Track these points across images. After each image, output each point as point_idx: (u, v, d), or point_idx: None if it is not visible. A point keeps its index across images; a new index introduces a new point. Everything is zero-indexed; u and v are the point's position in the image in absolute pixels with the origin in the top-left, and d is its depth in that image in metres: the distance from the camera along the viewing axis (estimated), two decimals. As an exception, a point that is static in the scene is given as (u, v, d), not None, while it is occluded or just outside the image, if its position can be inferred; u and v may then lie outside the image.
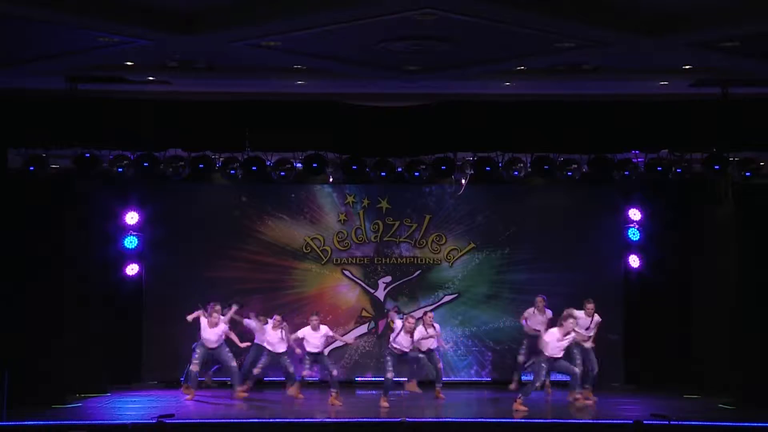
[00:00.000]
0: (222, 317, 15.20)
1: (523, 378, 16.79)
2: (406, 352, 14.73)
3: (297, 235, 17.37)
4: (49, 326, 14.62)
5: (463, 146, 13.83)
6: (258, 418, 13.19)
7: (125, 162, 13.76)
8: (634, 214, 17.12)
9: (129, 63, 11.97)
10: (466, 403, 15.44)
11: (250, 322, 15.70)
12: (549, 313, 15.39)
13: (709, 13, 10.12)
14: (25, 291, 14.56)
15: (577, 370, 14.44)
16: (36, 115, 13.11)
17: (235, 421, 13.20)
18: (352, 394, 15.92)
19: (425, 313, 15.39)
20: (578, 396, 14.38)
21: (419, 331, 14.85)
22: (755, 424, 12.83)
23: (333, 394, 14.64)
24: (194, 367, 14.95)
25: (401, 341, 14.68)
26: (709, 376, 15.79)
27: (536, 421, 13.19)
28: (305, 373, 15.00)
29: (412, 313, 15.42)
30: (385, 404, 14.33)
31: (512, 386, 15.55)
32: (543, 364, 14.12)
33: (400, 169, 14.21)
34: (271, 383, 16.33)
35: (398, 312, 15.55)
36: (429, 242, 17.40)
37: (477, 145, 13.76)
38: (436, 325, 15.23)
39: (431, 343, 15.05)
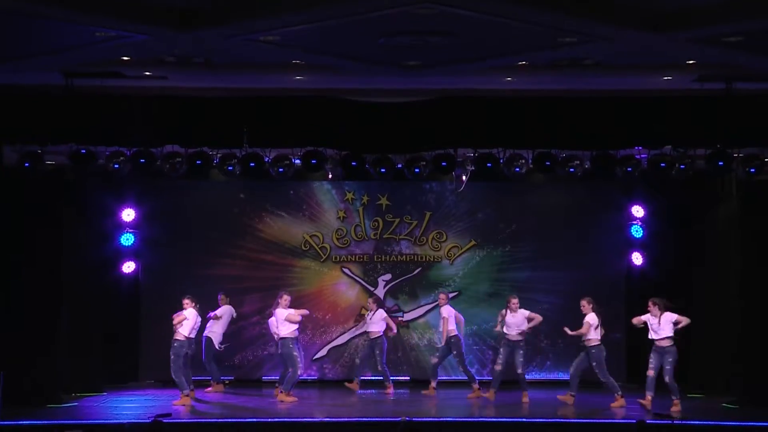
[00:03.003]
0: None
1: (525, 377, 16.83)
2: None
3: (296, 233, 17.40)
4: (45, 324, 14.64)
5: (464, 142, 13.83)
6: (256, 418, 13.20)
7: (122, 158, 13.75)
8: (637, 211, 17.15)
9: (125, 58, 11.97)
10: (467, 402, 15.44)
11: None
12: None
13: (712, 7, 10.13)
14: (20, 289, 14.57)
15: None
16: (32, 110, 13.09)
17: (233, 420, 13.21)
18: (352, 393, 15.92)
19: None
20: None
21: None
22: (758, 424, 12.85)
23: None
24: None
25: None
26: (712, 375, 15.81)
27: (537, 420, 13.20)
28: None
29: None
30: (356, 386, 15.98)
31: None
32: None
33: (400, 166, 14.22)
34: (270, 382, 16.38)
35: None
36: (429, 239, 17.42)
37: (478, 141, 13.76)
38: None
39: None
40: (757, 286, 14.90)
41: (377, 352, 15.91)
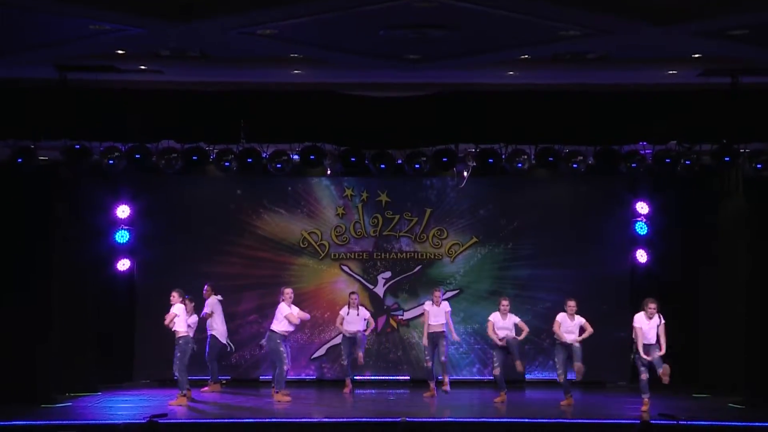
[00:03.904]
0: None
1: (527, 377, 16.86)
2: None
3: (294, 230, 17.41)
4: (38, 323, 14.65)
5: (465, 137, 13.82)
6: (253, 418, 13.22)
7: (116, 154, 13.73)
8: (642, 207, 17.16)
9: (120, 51, 11.97)
10: (467, 402, 15.48)
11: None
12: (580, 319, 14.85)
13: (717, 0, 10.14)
14: (13, 287, 14.58)
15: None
16: (24, 105, 13.09)
17: (230, 421, 13.23)
18: (350, 393, 15.93)
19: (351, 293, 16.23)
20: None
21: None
22: (765, 424, 12.86)
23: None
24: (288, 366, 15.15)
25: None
26: (718, 374, 15.82)
27: (541, 420, 13.22)
28: None
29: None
30: (349, 388, 15.85)
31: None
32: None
33: (400, 161, 14.22)
34: (267, 382, 16.38)
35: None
36: (430, 237, 17.43)
37: (479, 137, 13.76)
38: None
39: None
40: (765, 283, 14.91)
41: (357, 342, 15.79)
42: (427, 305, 15.60)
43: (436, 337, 15.38)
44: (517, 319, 15.12)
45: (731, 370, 15.48)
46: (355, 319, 15.85)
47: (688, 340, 15.98)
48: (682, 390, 15.38)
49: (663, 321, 13.93)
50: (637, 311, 15.12)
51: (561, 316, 14.62)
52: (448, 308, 15.56)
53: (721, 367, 15.80)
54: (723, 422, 12.97)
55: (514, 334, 14.98)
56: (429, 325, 15.39)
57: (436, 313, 15.38)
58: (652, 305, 14.00)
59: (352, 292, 16.26)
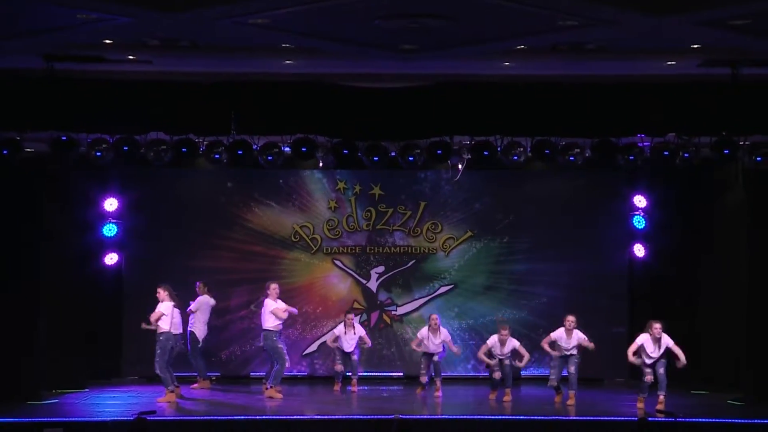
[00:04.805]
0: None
1: (523, 373, 16.85)
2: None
3: (285, 223, 17.40)
4: (24, 318, 14.63)
5: (460, 129, 13.81)
6: (244, 416, 13.22)
7: (104, 146, 13.69)
8: (640, 200, 17.17)
9: (108, 41, 11.92)
10: (462, 400, 15.48)
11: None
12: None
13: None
14: (-2, 282, 14.57)
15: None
16: (9, 96, 13.01)
17: (219, 418, 13.23)
18: (343, 390, 15.93)
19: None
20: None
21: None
22: (763, 421, 12.89)
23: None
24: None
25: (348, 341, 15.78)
26: (717, 371, 15.84)
27: (540, 418, 13.24)
28: None
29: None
30: (337, 388, 15.73)
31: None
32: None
33: (393, 154, 14.20)
34: (257, 379, 16.38)
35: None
36: (424, 230, 17.43)
37: (474, 129, 13.74)
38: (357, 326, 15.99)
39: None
40: (765, 278, 14.93)
41: (354, 365, 15.80)
42: (423, 332, 15.51)
43: (432, 354, 15.49)
44: (516, 344, 14.98)
45: (730, 367, 15.52)
46: (352, 339, 15.75)
47: (686, 336, 15.97)
48: (680, 386, 15.39)
49: (672, 342, 13.97)
50: (634, 306, 15.24)
51: (557, 334, 14.56)
52: (449, 338, 15.56)
53: (720, 363, 15.83)
54: (722, 419, 13.02)
55: (510, 362, 14.98)
56: (427, 348, 15.43)
57: (435, 342, 15.38)
58: (657, 326, 14.00)
59: (348, 312, 16.18)
